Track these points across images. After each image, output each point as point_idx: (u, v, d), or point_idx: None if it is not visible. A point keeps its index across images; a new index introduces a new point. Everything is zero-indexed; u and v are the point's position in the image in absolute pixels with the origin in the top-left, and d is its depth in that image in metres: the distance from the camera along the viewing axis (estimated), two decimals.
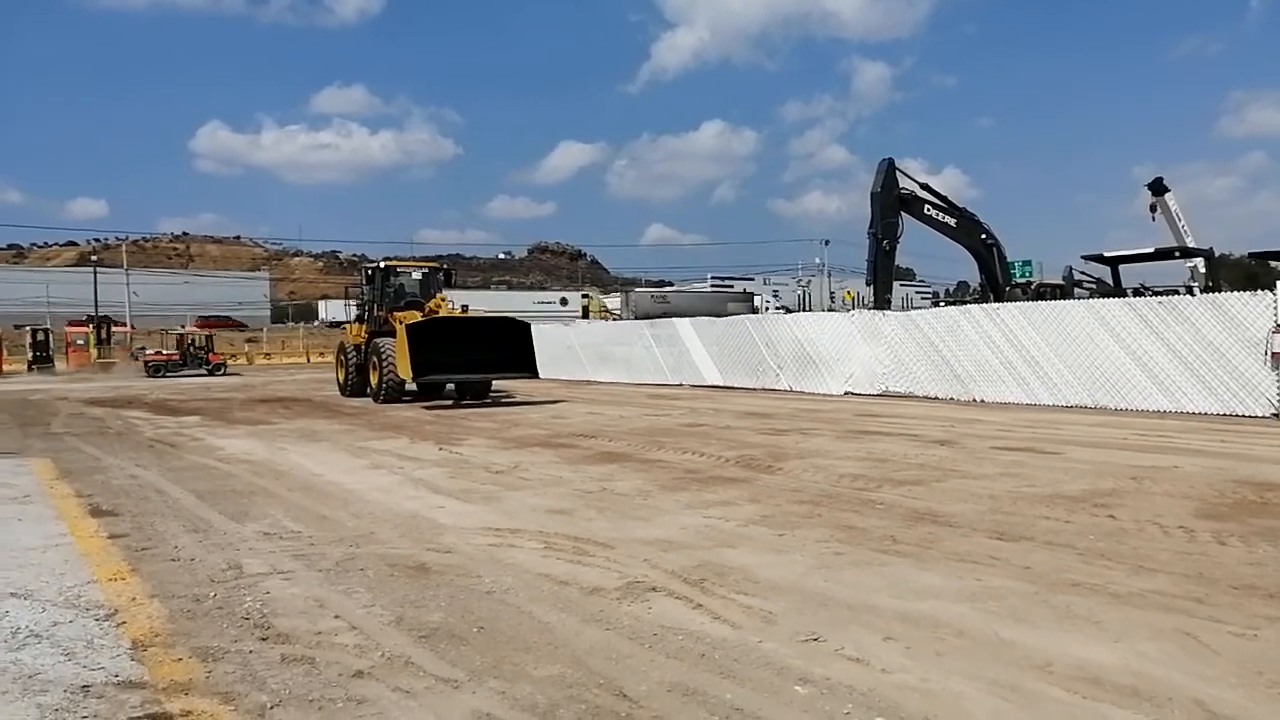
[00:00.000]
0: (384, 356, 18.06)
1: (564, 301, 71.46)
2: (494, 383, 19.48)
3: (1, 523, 6.69)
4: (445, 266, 22.68)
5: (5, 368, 38.83)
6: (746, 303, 64.63)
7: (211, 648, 3.91)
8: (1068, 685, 3.38)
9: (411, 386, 18.00)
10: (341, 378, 21.07)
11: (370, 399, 18.84)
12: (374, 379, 18.76)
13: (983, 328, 16.51)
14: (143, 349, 39.48)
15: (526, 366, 18.33)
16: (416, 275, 20.84)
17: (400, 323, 17.60)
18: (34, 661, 3.77)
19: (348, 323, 22.34)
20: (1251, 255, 28.38)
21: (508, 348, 18.14)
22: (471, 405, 17.77)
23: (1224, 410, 13.01)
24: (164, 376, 34.08)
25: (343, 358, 21.18)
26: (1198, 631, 3.92)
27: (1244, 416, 12.68)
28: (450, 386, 19.02)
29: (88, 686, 3.50)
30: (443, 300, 19.54)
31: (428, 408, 17.09)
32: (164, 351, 37.53)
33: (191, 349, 38.30)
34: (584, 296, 72.99)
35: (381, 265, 20.56)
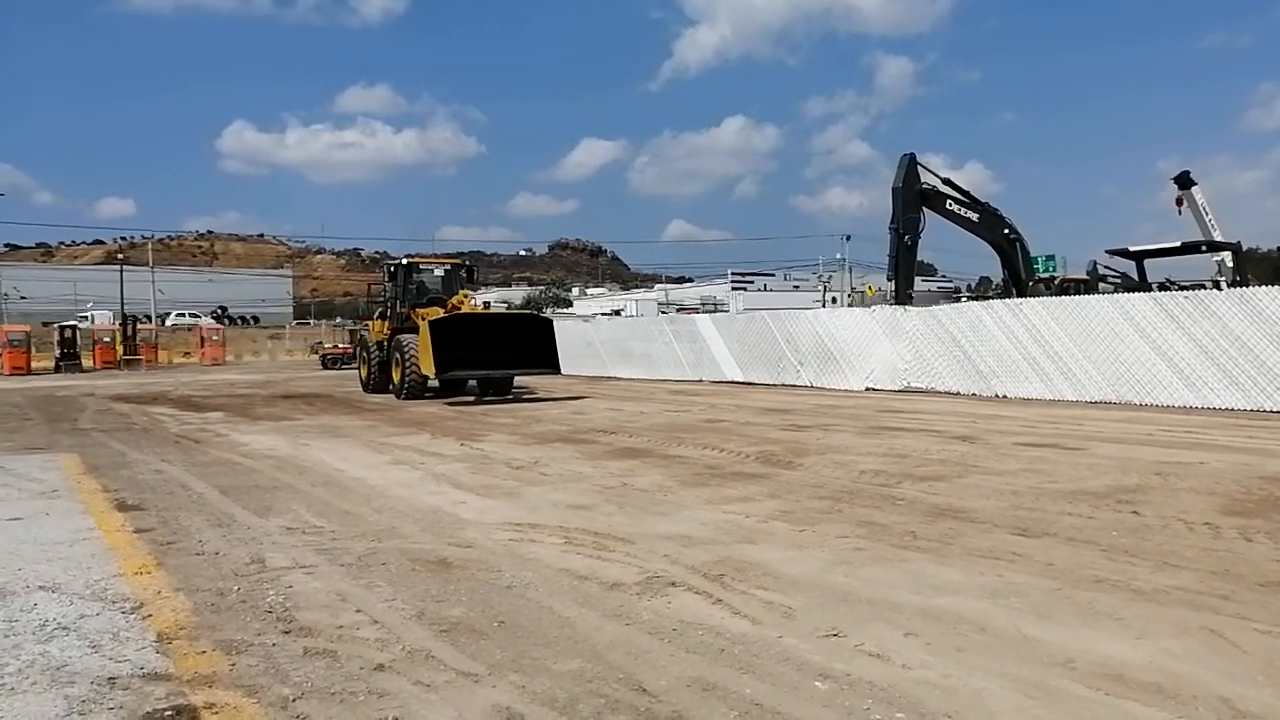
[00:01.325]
0: (407, 353, 18.07)
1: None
2: (516, 379, 19.51)
3: (30, 517, 6.78)
4: (467, 263, 22.58)
5: (33, 365, 39.25)
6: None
7: (235, 641, 3.95)
8: (1091, 682, 3.35)
9: (434, 383, 18.06)
10: (364, 374, 21.14)
11: (393, 395, 18.89)
12: (397, 376, 18.78)
13: (1005, 323, 16.39)
14: (320, 344, 43.17)
15: (549, 363, 18.27)
16: (439, 272, 20.79)
17: (423, 319, 17.63)
18: (61, 653, 3.83)
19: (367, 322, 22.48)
20: None
21: (530, 344, 18.13)
22: (494, 401, 17.81)
23: (1251, 406, 12.85)
24: (339, 368, 37.11)
25: (365, 354, 21.23)
26: (1223, 629, 3.87)
27: (1272, 412, 12.52)
28: (472, 383, 19.06)
29: (114, 678, 3.54)
30: (466, 297, 19.53)
31: (450, 404, 17.13)
32: (340, 346, 42.60)
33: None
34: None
35: (404, 262, 20.49)
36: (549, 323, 19.77)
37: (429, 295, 19.92)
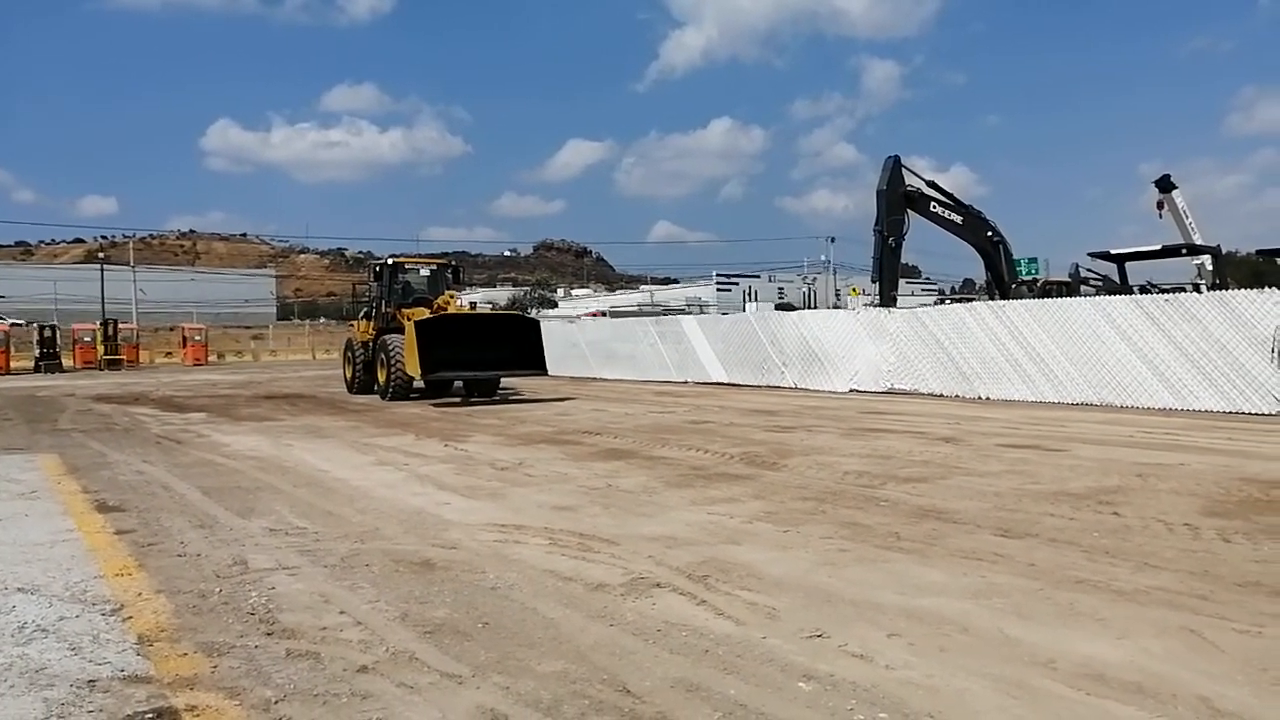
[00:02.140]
0: (392, 354, 17.88)
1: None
2: (502, 380, 19.44)
3: (9, 518, 6.72)
4: (454, 263, 22.36)
5: (12, 365, 38.89)
6: None
7: (217, 643, 3.92)
8: (1072, 682, 3.38)
9: (419, 384, 17.96)
10: (349, 375, 20.99)
11: (378, 396, 18.76)
12: (382, 376, 18.60)
13: (989, 325, 16.48)
14: None
15: (536, 364, 18.15)
16: (424, 272, 20.54)
17: (409, 320, 17.50)
18: (40, 656, 3.79)
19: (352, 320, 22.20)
20: (1259, 253, 28.25)
21: (517, 345, 17.99)
22: (480, 402, 17.72)
23: (1230, 408, 12.97)
24: None
25: (350, 355, 21.09)
26: (1202, 628, 3.91)
27: (1250, 414, 12.64)
28: (458, 384, 18.94)
29: (94, 681, 3.51)
30: (451, 297, 19.36)
31: (436, 405, 17.01)
32: None
33: None
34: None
35: (389, 262, 20.20)
36: (536, 324, 19.65)
37: (414, 296, 19.73)
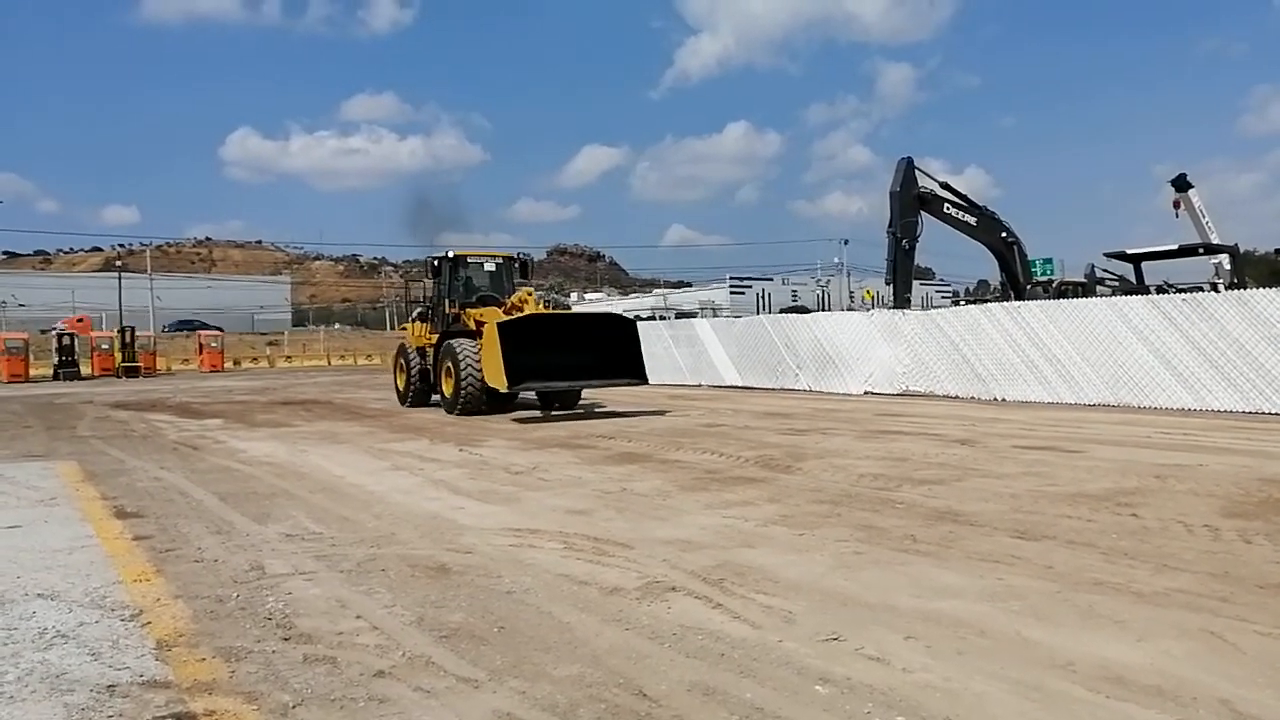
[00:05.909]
0: (463, 361, 15.33)
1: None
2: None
3: (29, 525, 6.78)
4: (521, 257, 19.06)
5: (31, 372, 39.23)
6: None
7: (235, 648, 3.94)
8: (1091, 685, 3.35)
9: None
10: (401, 385, 18.46)
11: (443, 410, 16.23)
12: (448, 387, 15.99)
13: (1004, 326, 16.40)
14: None
15: (634, 371, 15.49)
16: (489, 266, 17.88)
17: (486, 322, 15.22)
18: (61, 661, 3.82)
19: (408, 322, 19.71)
20: (1278, 251, 28.00)
21: (610, 350, 15.35)
22: (561, 416, 15.51)
23: (1250, 408, 12.85)
24: None
25: (404, 363, 18.42)
26: (1223, 631, 3.88)
27: (1270, 414, 12.52)
28: (531, 395, 16.31)
29: (113, 686, 3.54)
30: (529, 294, 16.36)
31: (518, 421, 14.66)
32: None
33: None
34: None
35: (450, 255, 17.47)
36: (632, 324, 16.61)
37: (478, 294, 17.34)
